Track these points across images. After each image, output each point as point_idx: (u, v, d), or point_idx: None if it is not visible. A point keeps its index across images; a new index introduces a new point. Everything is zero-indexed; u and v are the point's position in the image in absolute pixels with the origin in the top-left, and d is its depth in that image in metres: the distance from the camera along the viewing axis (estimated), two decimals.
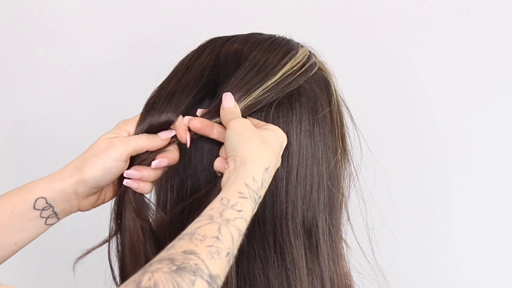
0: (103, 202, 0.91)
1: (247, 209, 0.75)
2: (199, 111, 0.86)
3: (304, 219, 0.86)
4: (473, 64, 1.35)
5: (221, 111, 0.83)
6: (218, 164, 0.83)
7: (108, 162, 0.84)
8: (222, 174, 0.82)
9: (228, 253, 0.71)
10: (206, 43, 0.93)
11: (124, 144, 0.84)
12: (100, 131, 1.31)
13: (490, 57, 1.35)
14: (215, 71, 0.88)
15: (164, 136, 0.86)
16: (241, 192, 0.75)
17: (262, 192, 0.79)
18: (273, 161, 0.80)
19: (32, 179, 1.46)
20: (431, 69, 1.37)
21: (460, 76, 1.36)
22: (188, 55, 0.92)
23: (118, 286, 0.88)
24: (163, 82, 0.91)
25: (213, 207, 0.74)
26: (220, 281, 0.69)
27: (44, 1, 1.42)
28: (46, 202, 0.84)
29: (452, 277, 1.41)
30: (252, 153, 0.78)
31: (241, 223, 0.74)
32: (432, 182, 1.39)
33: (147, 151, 0.85)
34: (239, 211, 0.74)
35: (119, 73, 1.43)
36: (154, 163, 0.85)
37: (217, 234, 0.70)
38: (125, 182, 0.85)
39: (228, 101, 0.84)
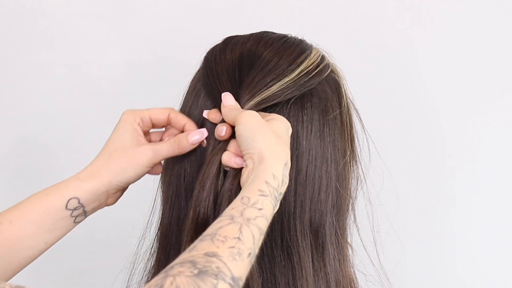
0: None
1: (268, 207, 0.75)
2: (205, 112, 0.87)
3: (311, 220, 0.86)
4: (473, 64, 1.35)
5: (223, 109, 0.83)
6: (226, 157, 0.82)
7: (138, 168, 0.88)
8: (230, 168, 0.82)
9: (250, 254, 0.71)
10: (222, 45, 0.92)
11: (156, 153, 0.88)
12: (100, 131, 1.32)
13: (490, 57, 1.35)
14: (236, 70, 0.88)
15: (194, 139, 0.87)
16: (261, 190, 0.75)
17: (283, 189, 0.79)
18: (288, 154, 0.80)
19: (32, 178, 1.46)
20: (431, 70, 1.37)
21: (460, 76, 1.36)
22: (209, 61, 0.91)
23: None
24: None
25: (234, 207, 0.74)
26: (242, 282, 0.69)
27: (44, 1, 1.41)
28: (79, 202, 0.87)
29: (452, 277, 1.41)
30: (269, 149, 0.78)
31: (262, 222, 0.74)
32: (435, 183, 1.39)
33: None
34: (260, 209, 0.74)
35: (119, 73, 1.43)
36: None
37: (239, 235, 0.70)
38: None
39: (229, 100, 0.83)
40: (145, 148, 0.88)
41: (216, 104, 0.86)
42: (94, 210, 0.90)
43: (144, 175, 0.90)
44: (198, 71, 0.92)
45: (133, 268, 0.96)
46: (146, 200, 0.97)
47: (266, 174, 0.76)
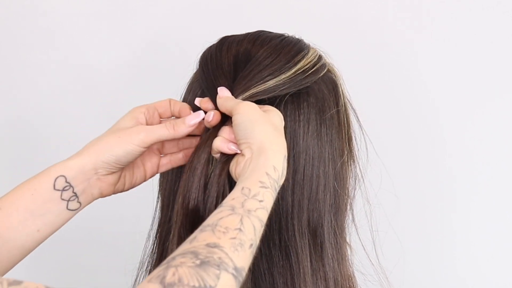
0: (123, 190, 0.90)
1: (268, 199, 0.74)
2: (197, 100, 0.86)
3: (309, 219, 0.86)
4: (473, 64, 1.35)
5: (218, 100, 0.83)
6: (219, 143, 0.81)
7: (127, 146, 0.84)
8: (220, 154, 0.81)
9: (251, 245, 0.70)
10: (218, 44, 0.92)
11: (148, 132, 0.84)
12: (100, 131, 1.31)
13: (490, 57, 1.35)
14: (232, 66, 0.87)
15: (191, 121, 0.85)
16: (262, 181, 0.75)
17: (282, 181, 0.78)
18: (286, 147, 0.80)
19: None
20: (431, 70, 1.36)
21: (460, 76, 1.36)
22: (205, 59, 0.91)
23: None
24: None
25: (234, 197, 0.73)
26: (245, 272, 0.69)
27: (44, 1, 1.42)
28: (66, 181, 0.83)
29: (452, 277, 1.41)
30: (270, 141, 0.77)
31: (263, 214, 0.73)
32: (435, 183, 1.39)
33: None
34: (261, 201, 0.73)
35: (119, 73, 1.43)
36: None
37: (240, 226, 0.70)
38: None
39: (224, 92, 0.83)
40: (138, 127, 0.85)
41: (213, 100, 0.85)
42: (87, 195, 0.86)
43: (135, 157, 0.85)
44: (195, 71, 0.92)
45: (141, 266, 0.96)
46: (150, 198, 0.97)
47: (267, 165, 0.76)
